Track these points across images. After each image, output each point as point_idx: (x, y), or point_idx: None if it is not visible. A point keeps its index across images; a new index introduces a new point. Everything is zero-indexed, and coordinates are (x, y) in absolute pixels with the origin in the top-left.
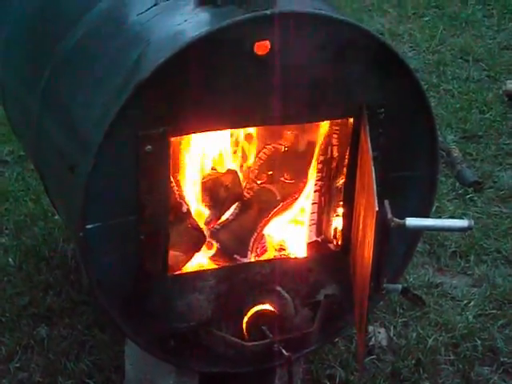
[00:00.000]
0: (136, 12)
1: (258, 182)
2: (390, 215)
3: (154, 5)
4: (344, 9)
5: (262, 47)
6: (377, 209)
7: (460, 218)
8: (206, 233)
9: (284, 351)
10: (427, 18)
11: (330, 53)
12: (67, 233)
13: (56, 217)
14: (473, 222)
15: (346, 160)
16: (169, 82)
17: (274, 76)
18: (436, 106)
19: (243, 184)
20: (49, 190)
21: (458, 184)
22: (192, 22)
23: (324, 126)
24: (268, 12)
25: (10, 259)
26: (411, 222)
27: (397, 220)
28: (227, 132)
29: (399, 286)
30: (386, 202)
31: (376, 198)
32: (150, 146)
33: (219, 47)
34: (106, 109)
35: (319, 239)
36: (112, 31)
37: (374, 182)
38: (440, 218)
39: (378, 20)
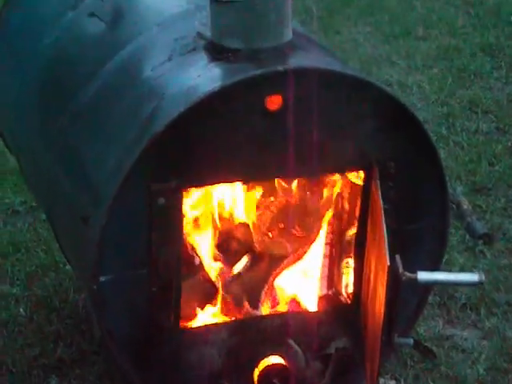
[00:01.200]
0: (150, 66)
1: (270, 234)
2: (401, 269)
3: (168, 59)
4: (353, 60)
5: (274, 102)
6: (388, 263)
7: (470, 270)
8: (218, 285)
9: None
10: (436, 70)
11: (342, 107)
12: (78, 283)
13: (67, 267)
14: (483, 277)
15: (357, 213)
16: (182, 136)
17: (285, 130)
18: (446, 158)
19: (255, 236)
20: (60, 241)
21: (467, 236)
22: (205, 77)
23: (335, 179)
24: (280, 68)
25: (21, 310)
26: (423, 276)
27: (408, 274)
28: (239, 185)
29: (411, 340)
30: (398, 257)
31: (387, 251)
32: (162, 199)
33: (232, 102)
34: (119, 162)
35: (330, 292)
36: (126, 85)
37: (385, 235)
38: (450, 270)
39: (387, 71)
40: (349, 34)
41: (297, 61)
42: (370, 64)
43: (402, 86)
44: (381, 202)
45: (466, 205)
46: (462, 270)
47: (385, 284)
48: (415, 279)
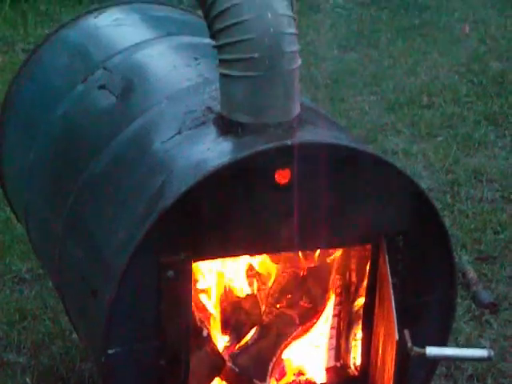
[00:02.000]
0: (160, 140)
1: (277, 306)
2: (410, 344)
3: (178, 133)
4: (358, 128)
5: (283, 176)
6: (397, 338)
7: (476, 340)
8: (226, 357)
9: None
10: (441, 138)
11: (349, 182)
12: (84, 352)
13: (73, 335)
14: (492, 352)
15: (365, 285)
16: (191, 209)
17: (293, 204)
18: (450, 227)
19: (262, 308)
20: (69, 311)
21: (473, 305)
22: (214, 151)
23: (342, 251)
24: (289, 142)
25: (28, 379)
26: (431, 351)
27: (417, 349)
28: (247, 257)
29: None
30: (406, 332)
31: (396, 326)
32: (171, 272)
33: (241, 176)
34: (129, 235)
35: (338, 364)
36: (136, 158)
37: (394, 309)
38: (456, 339)
39: (392, 140)
40: (354, 102)
41: (305, 135)
42: (376, 132)
43: (406, 154)
44: (389, 275)
45: (471, 274)
46: (468, 340)
47: (393, 358)
48: (424, 354)
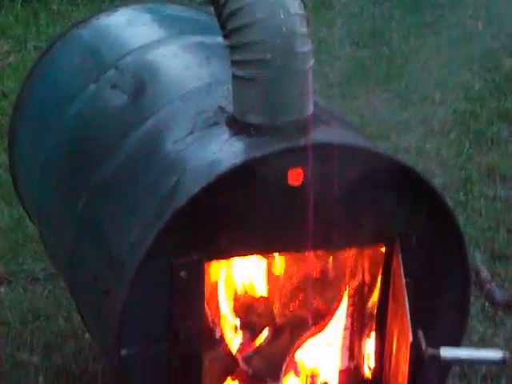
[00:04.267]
0: (172, 140)
1: (290, 306)
2: (424, 346)
3: (190, 133)
4: (371, 127)
5: (295, 177)
6: (411, 340)
7: (490, 339)
8: (239, 359)
9: None
10: (453, 136)
11: (362, 182)
12: (97, 352)
13: (86, 335)
14: (507, 354)
15: (378, 285)
16: (204, 210)
17: (306, 204)
18: (464, 225)
19: (275, 309)
20: (82, 311)
21: (487, 304)
22: (227, 152)
23: (356, 251)
24: (301, 143)
25: (40, 379)
26: (446, 352)
27: (431, 350)
28: (260, 257)
29: None
30: (421, 333)
31: (410, 327)
32: (184, 273)
33: (254, 176)
34: (142, 235)
35: (351, 365)
36: (148, 158)
37: (407, 310)
38: (470, 339)
39: (405, 137)
40: (366, 100)
41: (318, 135)
42: (389, 131)
43: (419, 152)
44: (403, 276)
45: (485, 272)
46: (482, 339)
47: (407, 360)
48: (438, 356)
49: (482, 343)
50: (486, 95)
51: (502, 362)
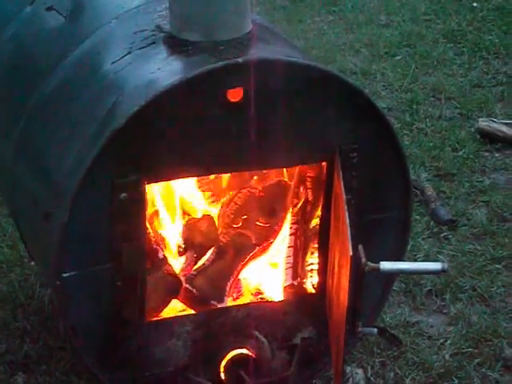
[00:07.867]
0: (110, 60)
1: (234, 226)
2: (364, 260)
3: (128, 53)
4: (317, 49)
5: (234, 94)
6: (351, 253)
7: (435, 256)
8: (183, 279)
9: None
10: (399, 57)
11: (303, 98)
12: (43, 279)
13: (32, 263)
14: (446, 265)
15: (321, 203)
16: (143, 130)
17: (247, 122)
18: (409, 145)
19: (219, 229)
20: (24, 237)
21: (432, 222)
22: (165, 71)
23: (298, 170)
24: (240, 60)
25: None
26: (385, 266)
27: (371, 264)
28: (202, 178)
29: (374, 330)
30: (361, 247)
31: (350, 242)
32: (124, 194)
33: (192, 95)
34: (80, 157)
35: (295, 282)
36: (86, 79)
37: (348, 225)
38: (415, 256)
39: (351, 59)
40: (312, 22)
41: (256, 52)
42: (334, 52)
43: (365, 73)
44: (343, 192)
45: (430, 191)
46: (427, 256)
47: (348, 274)
48: (378, 269)
49: (428, 260)
50: (431, 16)
51: (442, 271)
